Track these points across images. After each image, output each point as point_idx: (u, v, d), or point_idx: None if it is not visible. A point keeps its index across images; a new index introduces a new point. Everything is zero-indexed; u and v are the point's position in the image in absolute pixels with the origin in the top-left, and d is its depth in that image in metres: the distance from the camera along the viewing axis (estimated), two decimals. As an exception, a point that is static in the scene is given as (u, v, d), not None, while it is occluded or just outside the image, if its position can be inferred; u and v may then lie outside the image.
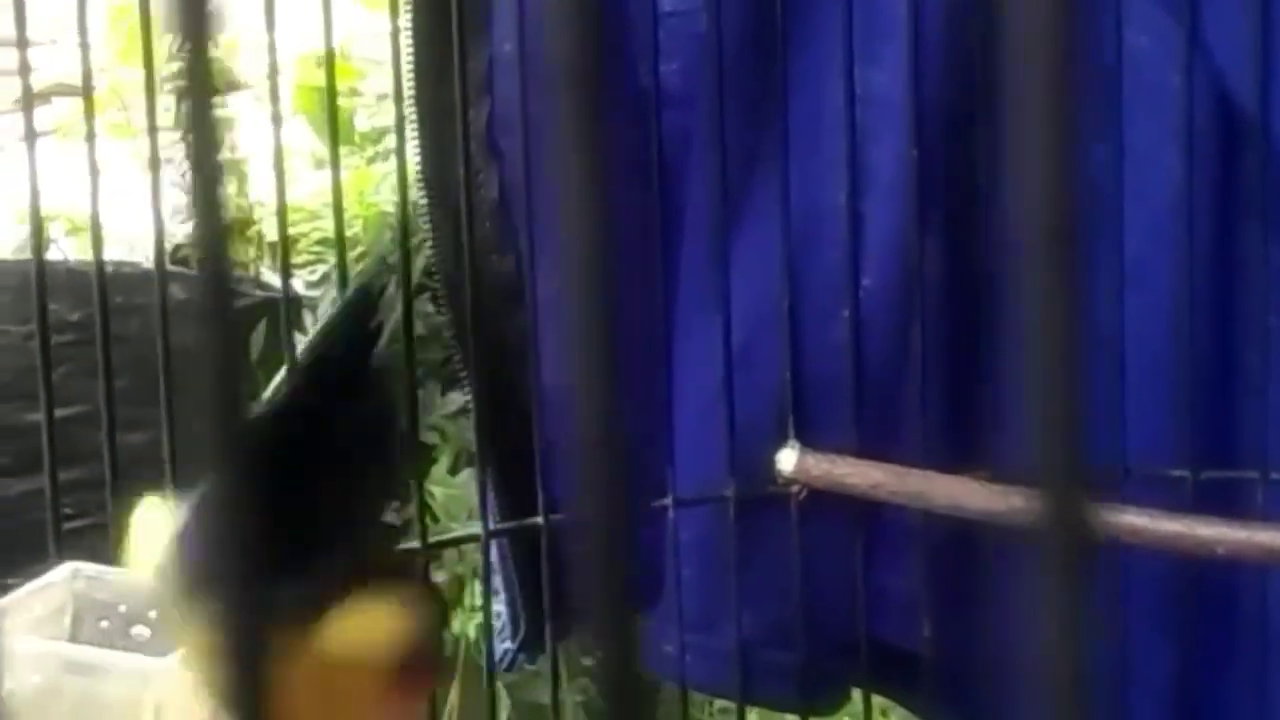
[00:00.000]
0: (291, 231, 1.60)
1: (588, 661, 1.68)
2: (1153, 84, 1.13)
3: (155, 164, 1.16)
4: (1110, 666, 1.14)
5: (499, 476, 1.23)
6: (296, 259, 1.82)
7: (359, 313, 0.77)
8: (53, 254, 1.95)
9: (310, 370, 0.80)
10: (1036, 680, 0.26)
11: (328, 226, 1.93)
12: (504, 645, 1.26)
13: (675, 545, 1.23)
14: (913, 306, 1.19)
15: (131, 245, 1.93)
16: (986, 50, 1.17)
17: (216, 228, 0.31)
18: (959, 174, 1.18)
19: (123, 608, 0.97)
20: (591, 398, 0.28)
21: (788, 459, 1.20)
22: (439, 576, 1.75)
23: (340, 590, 0.79)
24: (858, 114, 1.18)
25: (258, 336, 1.84)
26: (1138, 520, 1.09)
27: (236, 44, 1.79)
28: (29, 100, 1.17)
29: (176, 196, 1.23)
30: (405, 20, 1.19)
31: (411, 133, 1.20)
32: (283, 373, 1.24)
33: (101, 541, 1.16)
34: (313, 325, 1.81)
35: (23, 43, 1.12)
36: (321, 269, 1.89)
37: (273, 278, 2.03)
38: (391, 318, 1.78)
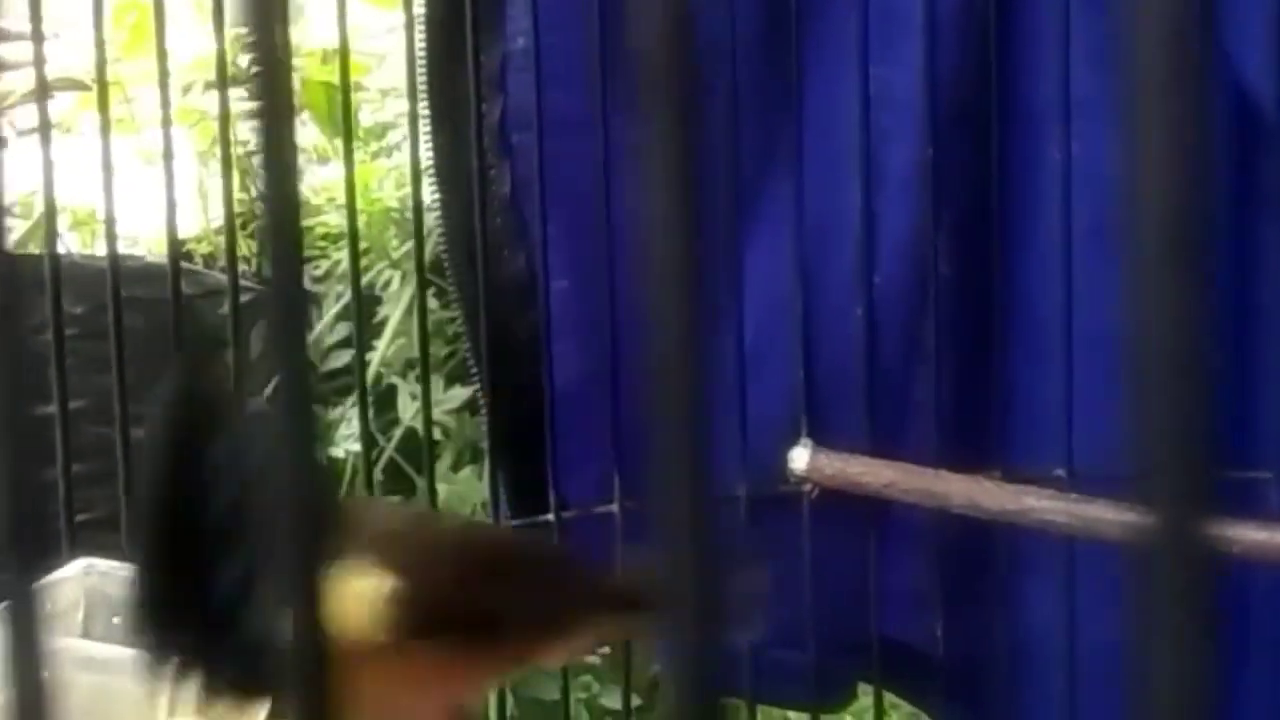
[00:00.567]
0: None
1: (591, 660, 1.68)
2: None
3: (168, 157, 1.16)
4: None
5: (509, 473, 1.23)
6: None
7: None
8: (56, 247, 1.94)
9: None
10: (1151, 697, 0.25)
11: (331, 222, 1.92)
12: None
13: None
14: (925, 305, 1.19)
15: (135, 239, 1.93)
16: (1000, 48, 1.17)
17: (287, 219, 0.31)
18: (972, 172, 1.18)
19: (136, 603, 0.96)
20: (674, 383, 0.27)
21: (800, 457, 1.20)
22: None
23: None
24: (871, 112, 1.18)
25: (259, 332, 1.83)
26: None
27: (240, 40, 1.78)
28: (43, 94, 1.16)
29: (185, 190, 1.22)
30: (418, 8, 1.19)
31: (424, 127, 1.20)
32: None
33: (105, 534, 1.16)
34: (317, 320, 1.80)
35: (37, 36, 1.12)
36: (325, 264, 1.89)
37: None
38: (396, 312, 1.79)
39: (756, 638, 1.22)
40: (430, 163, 1.21)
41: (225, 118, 1.16)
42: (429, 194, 1.21)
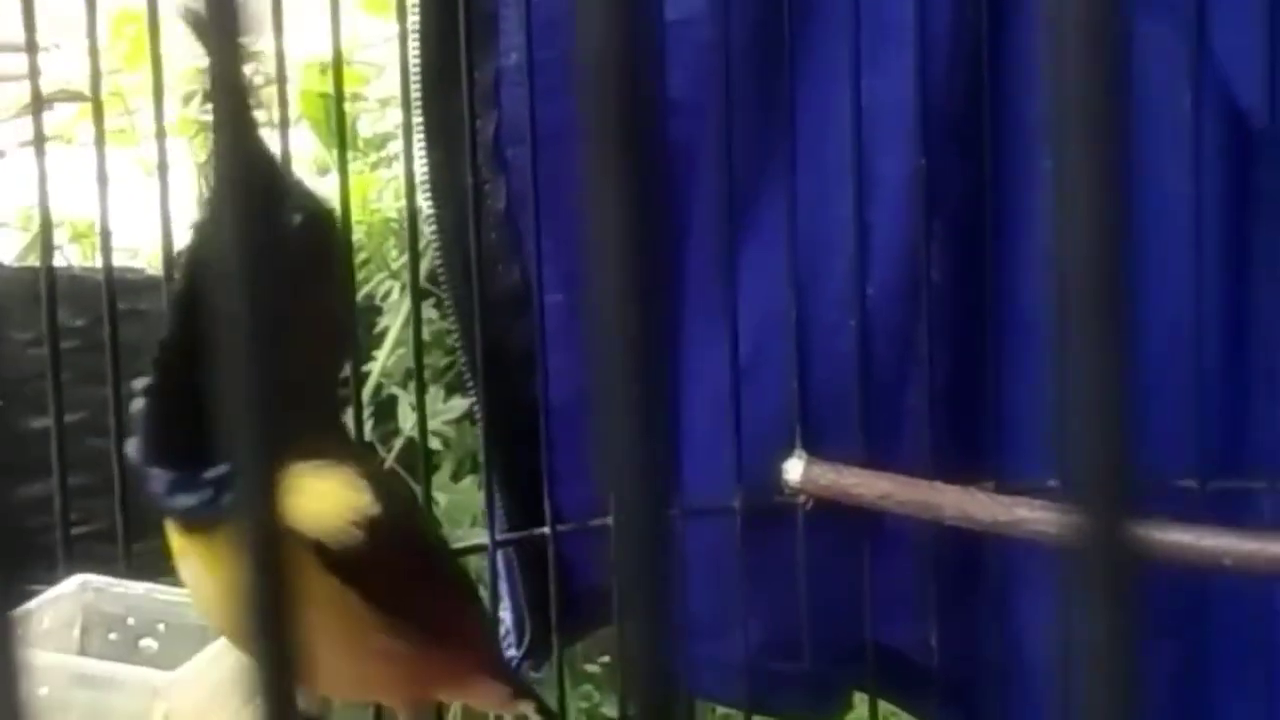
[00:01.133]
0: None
1: (592, 669, 1.68)
2: (1160, 96, 1.13)
3: (164, 169, 1.16)
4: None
5: (505, 485, 1.23)
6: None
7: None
8: (56, 260, 1.94)
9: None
10: (1084, 695, 0.26)
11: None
12: (510, 653, 1.26)
13: (682, 555, 1.23)
14: (919, 316, 1.19)
15: (135, 251, 1.93)
16: (993, 59, 1.17)
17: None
18: (964, 184, 1.18)
19: (131, 620, 0.97)
20: (629, 401, 0.28)
21: (794, 469, 1.20)
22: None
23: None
24: (864, 124, 1.18)
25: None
26: (1144, 531, 1.08)
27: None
28: (38, 105, 1.17)
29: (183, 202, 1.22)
30: (412, 24, 1.19)
31: (418, 139, 1.20)
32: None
33: (103, 547, 1.16)
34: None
35: (31, 46, 1.12)
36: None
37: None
38: (396, 323, 1.79)
39: (751, 648, 1.23)
40: (425, 177, 1.21)
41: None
42: (425, 205, 1.21)
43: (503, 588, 1.25)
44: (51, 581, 0.99)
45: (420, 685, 0.95)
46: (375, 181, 1.90)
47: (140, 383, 0.86)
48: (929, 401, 1.19)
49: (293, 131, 1.26)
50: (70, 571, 1.02)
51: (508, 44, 1.20)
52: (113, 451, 1.17)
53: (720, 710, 1.75)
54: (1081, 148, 0.25)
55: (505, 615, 1.26)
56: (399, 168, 1.92)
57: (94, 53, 1.16)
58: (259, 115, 0.83)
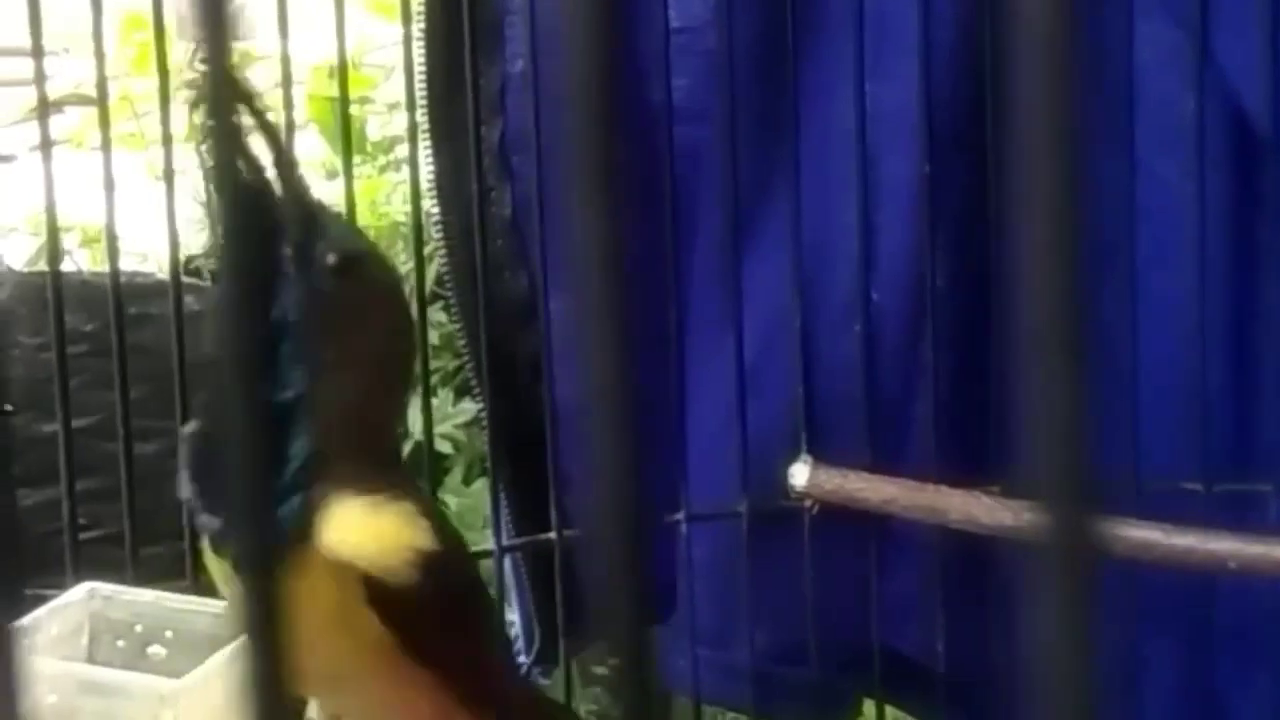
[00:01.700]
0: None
1: (601, 671, 1.68)
2: (1165, 100, 1.13)
3: (170, 175, 1.16)
4: (1118, 678, 1.14)
5: (513, 491, 1.23)
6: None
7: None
8: (66, 265, 1.95)
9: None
10: (1040, 691, 0.26)
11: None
12: (518, 658, 1.26)
13: (688, 560, 1.23)
14: (923, 321, 1.19)
15: (145, 256, 1.93)
16: (996, 65, 1.17)
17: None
18: (968, 189, 1.18)
19: (139, 628, 0.97)
20: (605, 416, 0.28)
21: (800, 474, 1.20)
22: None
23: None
24: (868, 130, 1.18)
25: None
26: (1150, 534, 1.09)
27: (250, 54, 1.79)
28: (44, 110, 1.17)
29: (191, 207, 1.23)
30: (417, 28, 1.19)
31: (425, 144, 1.20)
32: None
33: (114, 552, 1.17)
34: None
35: (38, 52, 1.12)
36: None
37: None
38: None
39: (757, 653, 1.23)
40: (431, 184, 1.21)
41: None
42: (433, 210, 1.21)
43: (511, 593, 1.25)
44: (60, 586, 0.99)
45: None
46: (384, 185, 1.90)
47: (189, 427, 0.88)
48: (934, 406, 1.19)
49: (301, 135, 1.27)
50: (78, 575, 1.03)
51: (513, 51, 1.20)
52: (121, 456, 1.18)
53: (730, 715, 1.75)
54: (1041, 162, 0.25)
55: (514, 619, 1.26)
56: (408, 171, 1.93)
57: (100, 57, 1.17)
58: (293, 159, 0.84)
